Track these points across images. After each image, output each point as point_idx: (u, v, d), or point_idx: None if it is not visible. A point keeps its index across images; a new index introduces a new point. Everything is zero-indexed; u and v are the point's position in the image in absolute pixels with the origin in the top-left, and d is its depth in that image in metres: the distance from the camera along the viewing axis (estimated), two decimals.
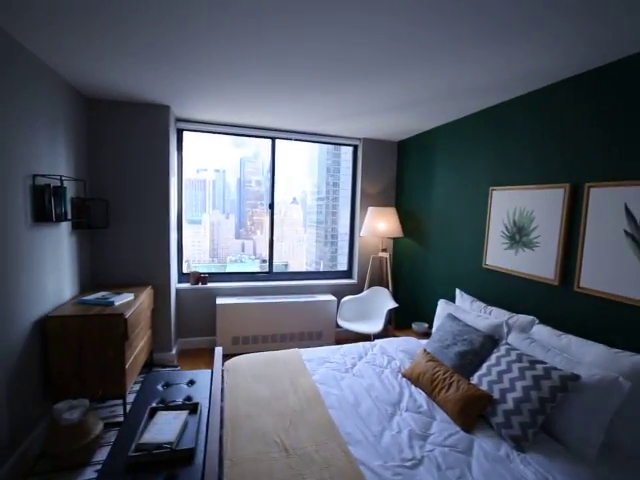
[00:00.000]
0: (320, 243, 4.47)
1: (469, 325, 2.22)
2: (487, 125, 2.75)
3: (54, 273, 2.38)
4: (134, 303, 2.57)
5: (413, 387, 2.04)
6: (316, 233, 4.51)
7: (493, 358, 1.91)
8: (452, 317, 2.36)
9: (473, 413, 1.70)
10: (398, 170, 4.15)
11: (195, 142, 3.70)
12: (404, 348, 2.52)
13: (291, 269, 4.32)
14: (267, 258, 4.02)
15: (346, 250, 4.32)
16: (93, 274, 3.06)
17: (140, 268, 3.16)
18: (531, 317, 2.14)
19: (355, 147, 4.14)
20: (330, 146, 4.35)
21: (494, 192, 2.67)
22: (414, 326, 3.26)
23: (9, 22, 1.73)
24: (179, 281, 3.69)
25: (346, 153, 4.32)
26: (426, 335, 3.14)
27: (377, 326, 3.38)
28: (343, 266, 4.39)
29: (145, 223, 3.14)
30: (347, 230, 4.29)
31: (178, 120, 3.46)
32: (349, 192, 4.27)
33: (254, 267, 4.42)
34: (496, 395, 1.73)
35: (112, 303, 2.45)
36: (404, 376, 2.15)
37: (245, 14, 1.59)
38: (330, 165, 4.41)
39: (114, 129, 3.01)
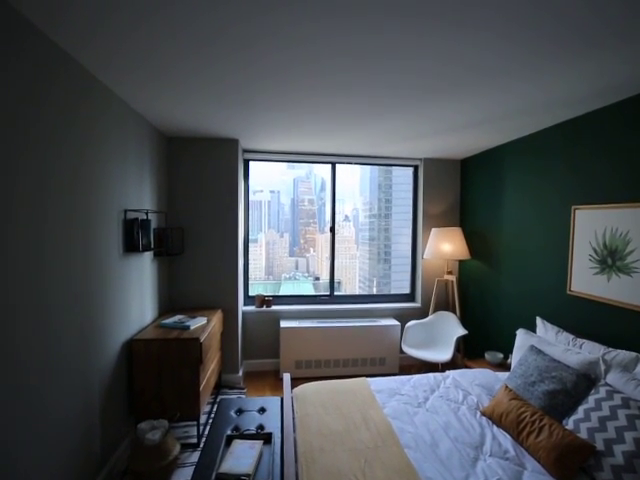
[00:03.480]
0: (373, 261, 4.43)
1: (557, 360, 2.01)
2: (566, 139, 2.55)
3: (139, 298, 2.59)
4: (207, 327, 2.70)
5: (495, 428, 1.87)
6: (369, 250, 4.48)
7: (591, 401, 1.70)
8: (536, 350, 2.15)
9: (572, 465, 1.51)
10: (462, 189, 3.98)
11: (253, 166, 3.88)
12: (480, 382, 2.34)
13: (344, 287, 4.26)
14: (320, 276, 4.01)
15: (401, 268, 4.21)
16: (170, 298, 3.29)
17: (211, 292, 3.33)
18: (634, 354, 1.88)
19: (415, 167, 4.06)
20: None
21: (577, 211, 2.44)
22: (487, 356, 3.03)
23: (115, 82, 1.99)
24: (245, 304, 3.82)
25: (398, 170, 4.25)
26: (501, 367, 2.90)
27: (446, 354, 3.20)
28: (398, 284, 4.27)
29: (215, 249, 3.32)
30: (402, 248, 4.18)
31: (245, 151, 3.67)
32: (403, 209, 4.18)
33: (307, 284, 4.44)
34: (599, 446, 1.52)
35: (188, 327, 2.60)
36: (484, 414, 1.99)
37: (309, 55, 1.66)
38: (382, 182, 4.37)
39: (189, 163, 3.27)
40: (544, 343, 2.24)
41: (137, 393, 2.38)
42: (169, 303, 3.29)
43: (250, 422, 1.97)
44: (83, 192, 1.87)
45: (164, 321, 2.70)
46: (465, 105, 2.30)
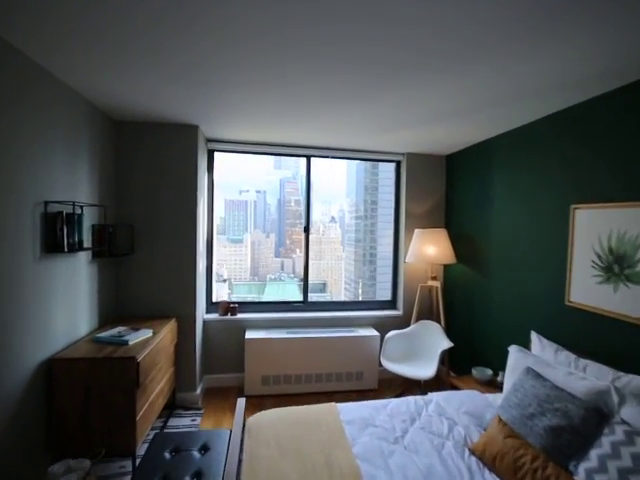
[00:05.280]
0: (359, 262, 4.37)
1: (559, 387, 1.68)
2: (565, 129, 2.25)
3: (67, 308, 2.16)
4: (151, 341, 2.29)
5: (487, 473, 1.53)
6: (354, 252, 4.44)
7: (606, 444, 1.37)
8: (533, 374, 1.83)
9: None
10: (447, 187, 3.67)
11: (236, 164, 3.64)
12: (468, 408, 2.00)
13: (330, 288, 4.17)
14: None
15: (386, 269, 3.90)
16: (117, 305, 2.86)
17: (165, 298, 2.91)
18: None
19: (398, 163, 3.73)
20: (368, 164, 4.15)
21: (577, 211, 2.14)
22: (475, 372, 2.71)
23: (25, 42, 1.59)
24: (207, 311, 3.41)
25: (384, 171, 4.09)
26: (491, 385, 2.59)
27: (429, 370, 2.86)
28: (383, 285, 3.98)
29: (171, 249, 2.91)
30: (387, 249, 3.86)
31: (209, 141, 3.27)
32: (388, 210, 3.88)
33: (292, 285, 4.39)
34: None
35: (126, 342, 2.18)
36: (473, 453, 1.65)
37: (270, 14, 1.30)
38: (368, 184, 4.26)
39: (141, 151, 2.85)
40: (542, 364, 1.92)
41: (57, 425, 1.95)
42: (116, 311, 2.85)
43: (186, 466, 1.58)
44: None
45: (100, 334, 2.28)
46: (450, 88, 2.00)
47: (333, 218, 4.40)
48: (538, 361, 1.95)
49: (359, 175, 4.38)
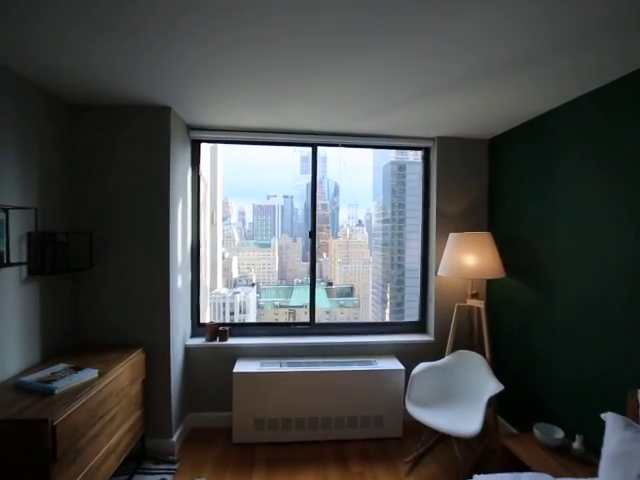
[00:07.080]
0: (387, 266, 4.29)
1: None
2: None
3: None
4: (94, 386, 1.71)
5: None
6: (382, 255, 4.37)
7: None
8: None
9: None
10: (491, 179, 2.90)
11: (262, 170, 3.63)
12: None
13: (357, 292, 4.11)
14: (332, 281, 3.68)
15: (414, 274, 3.21)
16: (75, 332, 2.32)
17: (131, 324, 2.34)
18: None
19: (426, 150, 3.00)
20: (394, 166, 3.78)
21: None
22: (538, 433, 1.93)
23: None
24: (193, 334, 2.83)
25: (412, 173, 3.58)
26: (562, 453, 1.81)
27: (471, 423, 2.10)
28: (410, 298, 3.34)
29: (138, 262, 2.33)
30: (415, 257, 3.15)
31: (192, 129, 2.69)
32: (414, 213, 3.18)
33: (320, 289, 4.22)
34: None
35: (52, 391, 1.61)
36: None
37: None
38: (395, 186, 4.05)
39: (102, 141, 2.31)
40: None
41: None
42: (74, 339, 2.31)
43: None
44: None
45: (24, 378, 1.72)
46: (488, 29, 1.28)
47: (360, 222, 4.37)
48: None
49: (385, 178, 4.24)
